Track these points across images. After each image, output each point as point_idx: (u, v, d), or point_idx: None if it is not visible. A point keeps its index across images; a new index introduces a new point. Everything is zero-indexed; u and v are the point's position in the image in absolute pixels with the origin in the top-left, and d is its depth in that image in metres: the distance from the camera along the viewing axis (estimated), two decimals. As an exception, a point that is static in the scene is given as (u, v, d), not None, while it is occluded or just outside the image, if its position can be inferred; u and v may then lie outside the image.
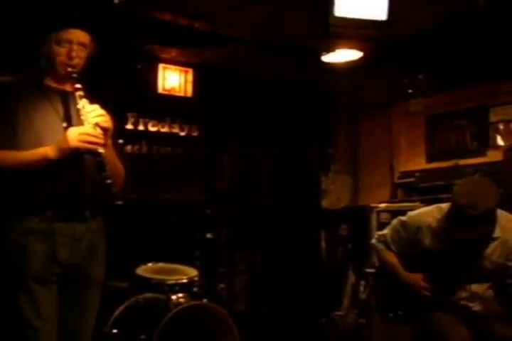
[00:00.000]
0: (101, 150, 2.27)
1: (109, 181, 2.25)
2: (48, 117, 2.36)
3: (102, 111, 2.33)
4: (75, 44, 2.36)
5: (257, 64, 5.21)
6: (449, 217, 2.90)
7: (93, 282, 2.42)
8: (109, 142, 2.39)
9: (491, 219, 2.83)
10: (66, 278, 2.32)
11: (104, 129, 2.31)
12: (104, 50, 2.54)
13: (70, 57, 2.36)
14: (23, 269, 2.24)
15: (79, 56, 2.38)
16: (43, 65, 2.43)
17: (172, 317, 3.36)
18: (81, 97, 2.33)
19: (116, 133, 2.45)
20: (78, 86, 2.35)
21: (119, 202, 2.24)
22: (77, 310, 2.37)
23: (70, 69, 2.36)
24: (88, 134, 2.25)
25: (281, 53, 4.98)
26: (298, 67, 5.26)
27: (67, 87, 2.42)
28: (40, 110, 2.35)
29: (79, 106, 2.33)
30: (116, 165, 2.44)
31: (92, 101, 2.35)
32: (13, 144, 2.27)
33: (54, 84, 2.43)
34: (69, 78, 2.38)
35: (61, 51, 2.36)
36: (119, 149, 2.51)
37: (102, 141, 2.28)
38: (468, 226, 2.79)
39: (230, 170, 5.78)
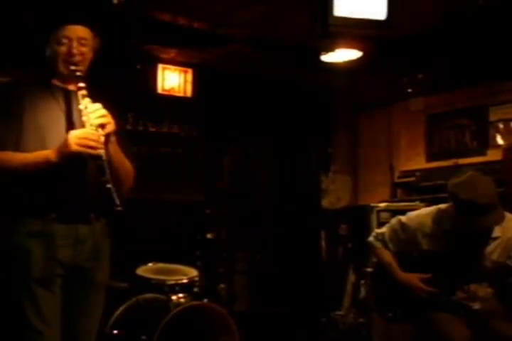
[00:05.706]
0: (101, 153, 2.21)
1: (108, 186, 2.19)
2: (54, 116, 2.32)
3: (104, 112, 2.28)
4: (75, 40, 2.30)
5: (257, 64, 5.21)
6: (457, 215, 2.88)
7: (98, 284, 2.40)
8: (113, 139, 2.33)
9: (497, 204, 2.83)
10: (71, 280, 2.30)
11: (105, 130, 2.26)
12: (103, 50, 2.49)
13: (70, 54, 2.29)
14: (25, 272, 2.22)
15: (80, 52, 2.31)
16: (49, 66, 2.37)
17: (172, 317, 3.36)
18: (84, 97, 2.28)
19: (120, 130, 2.39)
20: (81, 85, 2.29)
21: (119, 208, 2.19)
22: (82, 312, 2.35)
23: (73, 67, 2.30)
24: (87, 138, 2.19)
25: (280, 53, 4.99)
26: (297, 67, 5.26)
27: (71, 86, 2.37)
28: (47, 109, 2.32)
29: (81, 106, 2.28)
30: (122, 162, 2.40)
31: (95, 101, 2.30)
32: (17, 143, 2.24)
33: (60, 84, 2.39)
34: (73, 77, 2.32)
35: (61, 49, 2.30)
36: (125, 146, 2.45)
37: (102, 145, 2.22)
38: (481, 215, 2.78)
39: (230, 170, 5.77)
